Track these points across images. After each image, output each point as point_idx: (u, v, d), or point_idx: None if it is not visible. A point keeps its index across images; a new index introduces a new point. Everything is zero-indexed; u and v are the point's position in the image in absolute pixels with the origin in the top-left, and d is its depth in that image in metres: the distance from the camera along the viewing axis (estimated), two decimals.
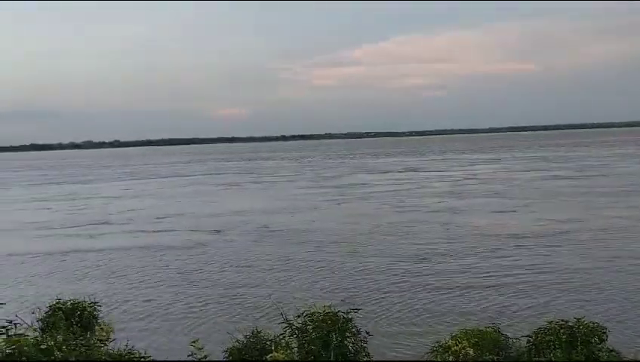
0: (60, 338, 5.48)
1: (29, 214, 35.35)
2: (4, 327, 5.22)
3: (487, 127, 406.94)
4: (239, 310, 13.74)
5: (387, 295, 14.43)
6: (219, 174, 70.98)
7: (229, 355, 8.13)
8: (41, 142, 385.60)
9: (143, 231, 26.89)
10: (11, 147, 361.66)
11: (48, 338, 5.33)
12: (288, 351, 7.34)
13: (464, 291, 14.53)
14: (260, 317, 12.63)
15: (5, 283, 17.44)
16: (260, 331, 8.58)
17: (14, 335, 5.12)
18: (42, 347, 4.95)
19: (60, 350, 4.98)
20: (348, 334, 7.18)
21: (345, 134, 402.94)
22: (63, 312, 11.32)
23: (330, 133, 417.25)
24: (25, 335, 5.16)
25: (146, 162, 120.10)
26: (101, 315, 12.09)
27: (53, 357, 4.80)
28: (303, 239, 22.82)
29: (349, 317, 7.26)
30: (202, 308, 14.05)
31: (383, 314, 12.87)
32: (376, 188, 43.63)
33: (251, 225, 27.02)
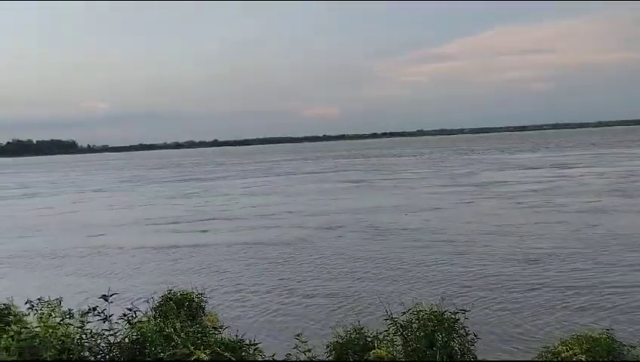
0: (178, 325, 5.76)
1: (153, 210, 37.37)
2: (125, 315, 5.59)
3: (596, 120, 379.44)
4: (341, 305, 13.80)
5: (495, 297, 13.85)
6: (345, 171, 69.54)
7: (332, 350, 8.16)
8: (147, 142, 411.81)
9: (256, 226, 27.60)
10: (122, 147, 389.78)
11: (168, 325, 5.62)
12: (391, 348, 7.23)
13: (582, 296, 13.61)
14: (362, 313, 12.59)
15: (119, 274, 18.68)
16: (362, 327, 8.53)
17: (137, 322, 5.47)
18: (164, 333, 5.22)
19: (179, 336, 5.23)
20: (455, 334, 6.97)
21: (438, 131, 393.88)
22: (173, 302, 12.01)
23: (422, 130, 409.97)
24: (146, 322, 5.50)
25: (263, 160, 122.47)
26: (207, 306, 12.72)
27: (173, 343, 5.05)
28: (416, 238, 22.23)
29: (457, 317, 7.03)
30: (304, 303, 14.28)
31: (490, 316, 12.38)
32: (517, 187, 39.92)
33: (366, 222, 26.67)
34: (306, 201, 38.08)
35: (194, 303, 12.33)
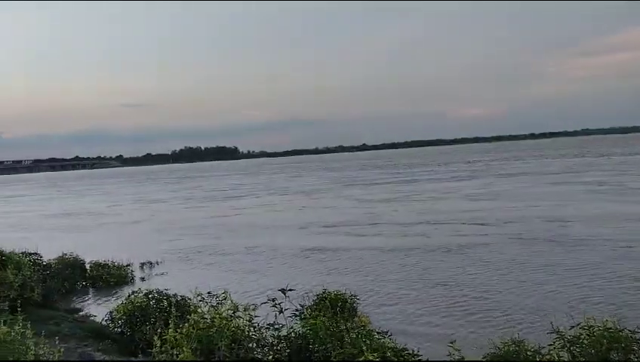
0: (348, 324, 5.96)
1: (323, 213, 38.13)
2: (297, 311, 5.93)
3: None
4: (497, 316, 13.18)
5: None
6: (585, 172, 60.08)
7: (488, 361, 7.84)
8: (299, 148, 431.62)
9: (428, 232, 26.89)
10: (277, 153, 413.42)
11: (336, 323, 5.85)
12: None
13: None
14: (523, 325, 11.92)
15: (276, 272, 19.75)
16: (523, 340, 8.08)
17: (309, 317, 5.78)
18: (332, 330, 5.44)
19: (348, 336, 5.41)
20: (633, 357, 6.27)
21: (607, 129, 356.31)
22: (328, 301, 12.44)
23: (587, 129, 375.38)
24: (317, 319, 5.79)
25: (449, 161, 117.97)
26: (359, 308, 12.96)
27: (339, 342, 5.23)
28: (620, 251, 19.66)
29: (636, 337, 6.32)
30: (457, 311, 13.88)
31: None
32: None
33: (565, 232, 24.14)
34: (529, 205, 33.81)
35: (347, 304, 12.64)
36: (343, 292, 12.60)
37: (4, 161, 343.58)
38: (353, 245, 24.09)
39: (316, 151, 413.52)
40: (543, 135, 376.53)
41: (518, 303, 14.06)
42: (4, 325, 6.52)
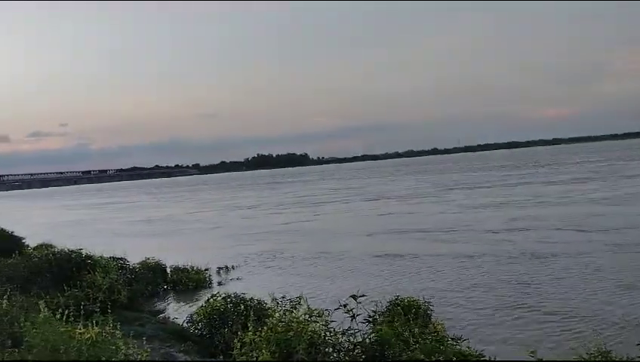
0: (416, 330, 5.94)
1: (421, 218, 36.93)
2: (370, 316, 5.97)
3: None
4: (581, 326, 12.56)
5: None
6: None
7: None
8: (370, 153, 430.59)
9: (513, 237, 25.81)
10: (347, 158, 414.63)
11: (406, 330, 5.84)
12: None
13: None
14: (608, 337, 11.30)
15: (350, 277, 19.82)
16: (610, 351, 7.70)
17: (380, 323, 5.81)
18: (402, 338, 5.44)
19: (416, 342, 5.40)
20: None
21: None
22: (400, 307, 12.34)
23: None
24: (386, 325, 5.81)
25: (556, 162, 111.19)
26: (433, 314, 12.75)
27: (411, 348, 5.23)
28: None
29: None
30: (536, 319, 13.37)
31: None
32: None
33: None
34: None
35: (420, 310, 12.48)
36: (417, 298, 12.46)
37: (90, 171, 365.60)
38: (432, 251, 23.69)
39: (386, 156, 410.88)
40: (628, 135, 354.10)
41: (605, 313, 13.33)
42: (96, 326, 6.98)
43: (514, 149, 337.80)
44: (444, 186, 66.63)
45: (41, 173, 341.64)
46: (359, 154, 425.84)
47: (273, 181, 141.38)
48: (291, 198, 68.67)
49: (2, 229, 22.66)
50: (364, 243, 27.66)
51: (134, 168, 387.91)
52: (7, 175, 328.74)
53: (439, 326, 11.88)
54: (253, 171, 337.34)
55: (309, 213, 46.68)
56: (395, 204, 49.75)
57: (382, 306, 11.74)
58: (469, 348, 6.66)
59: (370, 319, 6.11)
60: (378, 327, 5.72)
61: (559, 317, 13.36)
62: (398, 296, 12.42)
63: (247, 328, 7.93)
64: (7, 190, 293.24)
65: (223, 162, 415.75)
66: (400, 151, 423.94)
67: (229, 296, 11.48)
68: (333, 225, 36.80)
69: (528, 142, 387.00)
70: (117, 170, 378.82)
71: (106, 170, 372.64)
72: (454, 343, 6.47)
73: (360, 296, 6.72)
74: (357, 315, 6.47)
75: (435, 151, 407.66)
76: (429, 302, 12.81)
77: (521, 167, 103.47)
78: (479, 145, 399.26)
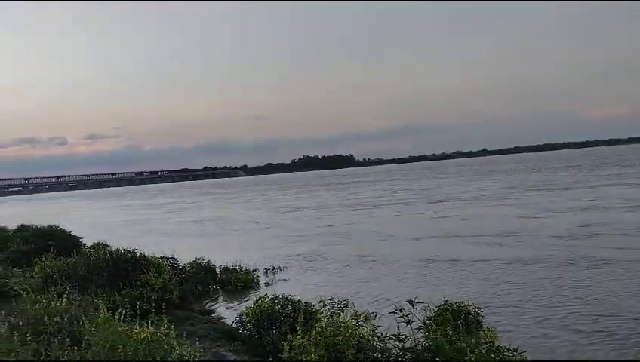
0: (473, 340, 5.84)
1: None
2: (424, 323, 5.92)
3: None
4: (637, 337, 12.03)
5: None
6: None
7: None
8: (417, 154, 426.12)
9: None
10: (394, 159, 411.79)
11: (461, 337, 5.76)
12: None
13: None
14: None
15: (398, 281, 19.65)
16: None
17: (432, 329, 5.75)
18: (456, 346, 5.37)
19: (472, 352, 5.31)
20: None
21: None
22: (449, 313, 12.16)
23: None
24: (438, 331, 5.75)
25: None
26: (483, 321, 12.47)
27: (466, 358, 5.14)
28: None
29: None
30: (595, 328, 12.86)
31: None
32: None
33: None
34: None
35: (470, 316, 12.24)
36: (467, 303, 12.23)
37: (143, 172, 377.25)
38: (488, 256, 22.85)
39: (434, 157, 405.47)
40: None
41: None
42: (152, 325, 7.20)
43: (572, 150, 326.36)
44: (521, 187, 62.38)
45: (95, 174, 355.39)
46: (406, 156, 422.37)
47: (324, 182, 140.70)
48: (348, 199, 67.57)
49: (62, 229, 23.64)
50: (417, 247, 27.17)
51: (184, 169, 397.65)
52: (65, 176, 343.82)
53: (491, 334, 11.61)
54: (301, 172, 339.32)
55: (363, 215, 46.01)
56: (469, 206, 46.18)
57: (430, 311, 11.61)
58: (525, 359, 6.48)
59: (423, 324, 6.03)
60: (432, 335, 5.65)
61: (618, 326, 12.79)
62: (447, 301, 12.23)
63: (296, 330, 8.01)
64: (65, 190, 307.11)
65: (269, 163, 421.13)
66: (447, 152, 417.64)
67: (277, 298, 11.61)
68: (388, 228, 36.24)
69: (584, 142, 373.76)
70: (168, 171, 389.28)
71: (158, 172, 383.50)
72: (511, 354, 6.30)
73: (417, 302, 6.65)
74: (412, 321, 6.42)
75: (484, 152, 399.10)
76: (479, 308, 12.58)
77: (599, 166, 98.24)
78: (531, 146, 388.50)
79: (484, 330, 11.60)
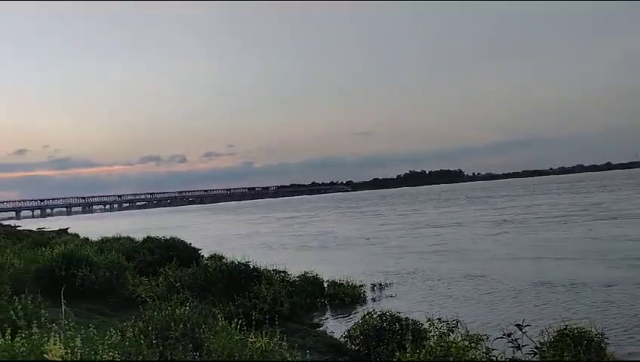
0: None
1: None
2: (537, 348, 5.67)
3: None
4: None
5: None
6: None
7: None
8: (530, 168, 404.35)
9: None
10: (505, 174, 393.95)
11: None
12: None
13: None
14: None
15: (508, 303, 18.72)
16: None
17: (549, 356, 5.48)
18: None
19: None
20: None
21: None
22: (570, 338, 11.39)
23: None
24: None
25: None
26: (608, 348, 11.53)
27: None
28: None
29: None
30: None
31: None
32: None
33: None
34: None
35: (593, 343, 11.40)
36: (589, 328, 11.40)
37: (255, 188, 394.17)
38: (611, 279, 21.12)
39: (551, 172, 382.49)
40: None
41: None
42: (265, 336, 7.55)
43: None
44: None
45: (212, 190, 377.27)
46: (519, 170, 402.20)
47: (439, 198, 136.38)
48: (467, 216, 63.32)
49: (183, 241, 25.32)
50: (534, 268, 25.54)
51: (293, 185, 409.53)
52: (186, 191, 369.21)
53: None
54: (411, 187, 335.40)
55: (487, 233, 42.75)
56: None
57: (547, 336, 10.98)
58: None
59: (537, 350, 5.73)
60: (544, 360, 5.36)
61: None
62: (567, 326, 11.49)
63: (404, 348, 7.97)
64: (184, 204, 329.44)
65: (375, 179, 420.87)
66: (566, 166, 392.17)
67: (385, 314, 11.61)
68: (509, 248, 33.83)
69: None
70: (278, 186, 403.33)
71: (268, 187, 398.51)
72: None
73: (525, 326, 6.38)
74: (522, 346, 6.15)
75: (609, 167, 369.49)
76: (602, 334, 11.68)
77: None
78: None
79: (608, 358, 10.75)
